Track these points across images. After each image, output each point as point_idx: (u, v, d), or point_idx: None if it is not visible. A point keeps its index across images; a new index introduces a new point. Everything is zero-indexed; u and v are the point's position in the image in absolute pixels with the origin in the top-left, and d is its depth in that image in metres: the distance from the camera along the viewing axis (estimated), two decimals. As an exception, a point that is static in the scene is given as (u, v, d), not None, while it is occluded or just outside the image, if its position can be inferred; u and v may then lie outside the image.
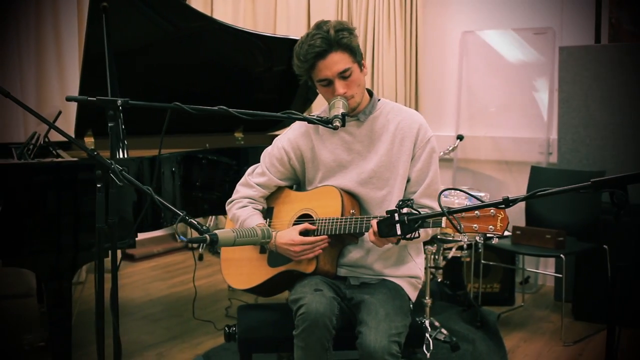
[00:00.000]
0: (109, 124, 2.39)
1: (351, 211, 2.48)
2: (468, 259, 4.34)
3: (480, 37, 5.17)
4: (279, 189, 2.71)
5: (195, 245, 5.57)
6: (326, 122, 2.22)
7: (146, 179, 3.27)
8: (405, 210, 2.11)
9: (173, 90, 4.19)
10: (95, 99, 2.40)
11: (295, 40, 4.38)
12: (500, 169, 5.17)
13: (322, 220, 2.47)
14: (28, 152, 3.41)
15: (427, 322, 3.72)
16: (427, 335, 3.65)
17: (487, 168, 5.23)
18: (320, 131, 2.58)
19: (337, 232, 2.41)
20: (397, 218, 2.06)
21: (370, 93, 2.59)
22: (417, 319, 3.67)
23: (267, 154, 2.68)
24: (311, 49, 2.37)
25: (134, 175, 3.23)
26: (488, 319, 4.10)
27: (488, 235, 2.18)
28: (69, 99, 2.45)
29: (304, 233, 2.46)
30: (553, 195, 1.92)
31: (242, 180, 2.71)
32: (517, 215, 4.67)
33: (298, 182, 2.72)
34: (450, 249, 3.82)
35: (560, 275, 3.99)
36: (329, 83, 2.42)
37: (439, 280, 4.64)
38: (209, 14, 5.94)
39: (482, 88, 5.22)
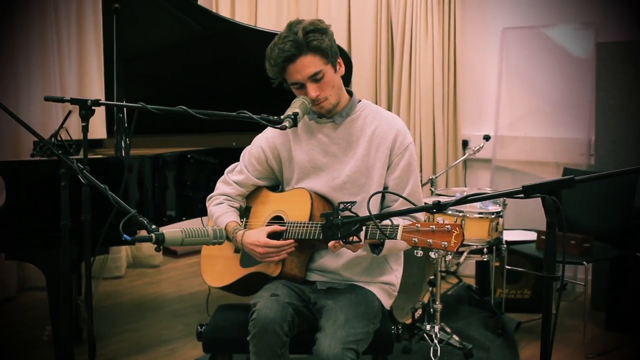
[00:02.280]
0: (82, 124, 2.45)
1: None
2: (497, 264, 4.20)
3: (521, 33, 4.98)
4: (258, 189, 2.69)
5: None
6: (275, 122, 2.19)
7: (147, 178, 3.32)
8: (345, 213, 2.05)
9: (206, 90, 4.23)
10: (69, 99, 2.47)
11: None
12: (540, 170, 4.97)
13: (291, 223, 2.44)
14: (41, 149, 3.55)
15: (436, 328, 3.62)
16: (436, 341, 3.56)
17: (526, 169, 5.04)
18: (298, 131, 2.54)
19: (304, 237, 2.37)
20: (333, 221, 2.00)
21: (350, 93, 2.52)
22: (426, 324, 3.62)
23: (247, 153, 2.66)
24: (280, 53, 2.31)
25: (135, 173, 3.30)
26: (507, 327, 3.95)
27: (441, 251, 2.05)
28: (47, 99, 2.53)
29: (273, 235, 2.43)
30: (487, 199, 1.83)
31: (222, 177, 2.71)
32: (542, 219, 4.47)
33: (277, 182, 2.69)
34: (462, 253, 3.69)
35: (582, 284, 3.79)
36: (301, 86, 2.36)
37: (466, 284, 4.51)
38: (253, 16, 6.01)
39: (523, 86, 5.02)
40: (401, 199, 2.38)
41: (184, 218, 3.40)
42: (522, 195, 1.72)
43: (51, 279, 3.15)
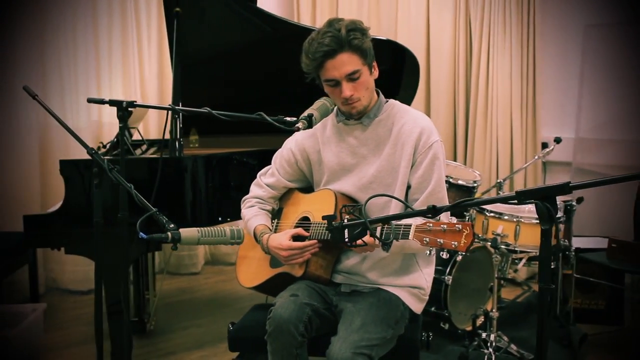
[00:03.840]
0: (119, 125, 2.54)
1: (346, 217, 2.41)
2: (569, 272, 4.01)
3: (604, 31, 4.73)
4: (289, 191, 2.70)
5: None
6: (289, 124, 2.19)
7: (200, 177, 3.40)
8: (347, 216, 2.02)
9: (277, 93, 4.24)
10: (108, 100, 2.57)
11: (393, 42, 4.37)
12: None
13: (317, 224, 2.43)
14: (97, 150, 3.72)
15: (492, 336, 3.50)
16: (491, 350, 3.45)
17: (610, 173, 4.77)
18: (327, 133, 2.53)
19: (325, 238, 2.36)
20: (334, 224, 1.97)
21: (378, 94, 2.49)
22: (482, 331, 3.51)
23: (278, 155, 2.68)
24: (320, 47, 2.28)
25: (190, 172, 3.38)
26: (572, 338, 3.77)
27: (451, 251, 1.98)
28: (89, 101, 2.65)
29: (297, 237, 2.43)
30: (480, 205, 1.76)
31: (255, 180, 2.74)
32: (625, 226, 4.25)
33: (309, 184, 2.69)
34: (520, 259, 3.55)
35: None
36: (336, 84, 2.33)
37: (535, 291, 4.34)
38: (334, 15, 6.02)
39: (607, 87, 4.77)
40: (422, 196, 2.34)
41: (228, 219, 3.44)
42: (515, 201, 1.64)
43: (106, 272, 3.25)
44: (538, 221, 3.38)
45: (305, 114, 2.23)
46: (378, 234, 2.08)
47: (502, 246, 3.43)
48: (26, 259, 4.23)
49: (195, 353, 3.80)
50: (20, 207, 4.49)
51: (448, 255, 3.53)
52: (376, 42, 4.28)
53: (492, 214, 3.42)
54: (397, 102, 2.50)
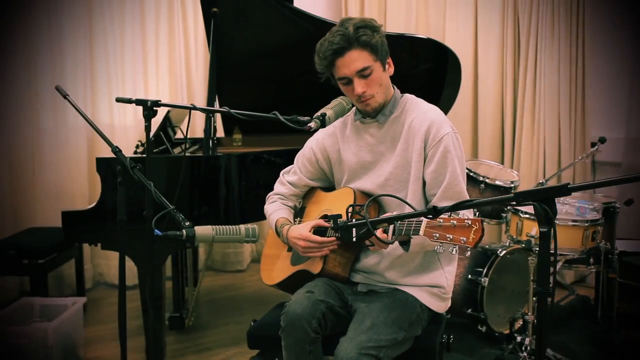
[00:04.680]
0: (145, 124, 2.60)
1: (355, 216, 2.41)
2: (614, 276, 3.90)
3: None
4: (312, 190, 2.71)
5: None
6: (302, 123, 2.19)
7: (234, 176, 3.44)
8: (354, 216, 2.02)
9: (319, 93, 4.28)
10: (135, 100, 2.63)
11: (434, 41, 4.34)
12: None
13: None
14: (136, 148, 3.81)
15: (527, 340, 3.43)
16: (525, 354, 3.38)
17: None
18: (346, 132, 2.53)
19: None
20: (339, 224, 1.97)
21: (394, 90, 2.47)
22: (517, 335, 3.45)
23: (300, 154, 2.69)
24: (330, 46, 2.30)
25: (223, 171, 3.42)
26: (613, 343, 3.66)
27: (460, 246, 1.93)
28: (118, 100, 2.71)
29: (318, 231, 2.44)
30: (479, 206, 1.73)
31: (279, 178, 2.76)
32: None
33: (330, 183, 2.69)
34: (557, 261, 3.46)
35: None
36: (348, 82, 2.33)
37: (578, 295, 4.23)
38: (382, 20, 5.98)
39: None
40: (439, 191, 2.31)
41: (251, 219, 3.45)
42: (514, 202, 1.60)
43: (141, 269, 3.33)
44: (574, 223, 3.34)
45: (319, 113, 2.23)
46: (390, 232, 2.06)
47: (537, 248, 3.35)
48: (73, 254, 4.37)
49: (231, 350, 3.84)
50: (69, 203, 4.65)
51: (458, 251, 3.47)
52: (418, 40, 4.37)
53: (526, 216, 3.35)
54: (411, 96, 2.48)
